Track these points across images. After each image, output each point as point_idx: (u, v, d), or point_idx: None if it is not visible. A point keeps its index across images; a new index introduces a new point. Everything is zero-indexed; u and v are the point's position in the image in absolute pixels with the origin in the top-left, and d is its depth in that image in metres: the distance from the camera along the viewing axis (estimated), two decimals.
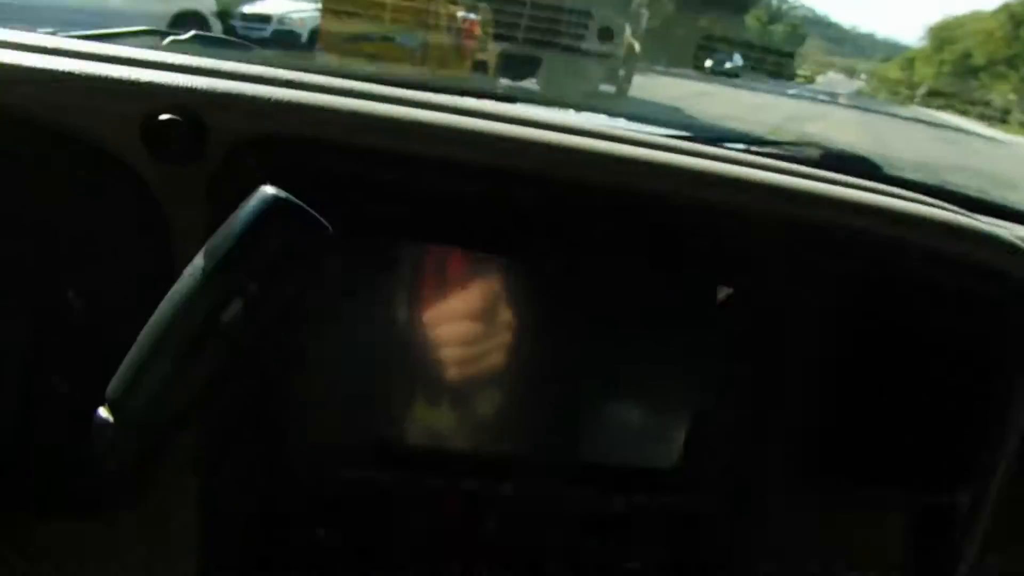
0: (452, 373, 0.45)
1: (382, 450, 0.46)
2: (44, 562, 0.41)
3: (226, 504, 0.44)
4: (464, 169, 0.40)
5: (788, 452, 0.49)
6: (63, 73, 0.38)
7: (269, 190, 0.31)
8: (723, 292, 0.45)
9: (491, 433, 0.47)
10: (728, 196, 0.42)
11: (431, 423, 0.47)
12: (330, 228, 0.31)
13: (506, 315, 0.44)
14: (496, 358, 0.46)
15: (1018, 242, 0.46)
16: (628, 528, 0.50)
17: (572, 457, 0.48)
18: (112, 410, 0.32)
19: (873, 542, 0.53)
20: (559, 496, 0.48)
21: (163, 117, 0.38)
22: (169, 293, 0.31)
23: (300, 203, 0.31)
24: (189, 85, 0.39)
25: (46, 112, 0.38)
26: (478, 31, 3.34)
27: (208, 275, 0.30)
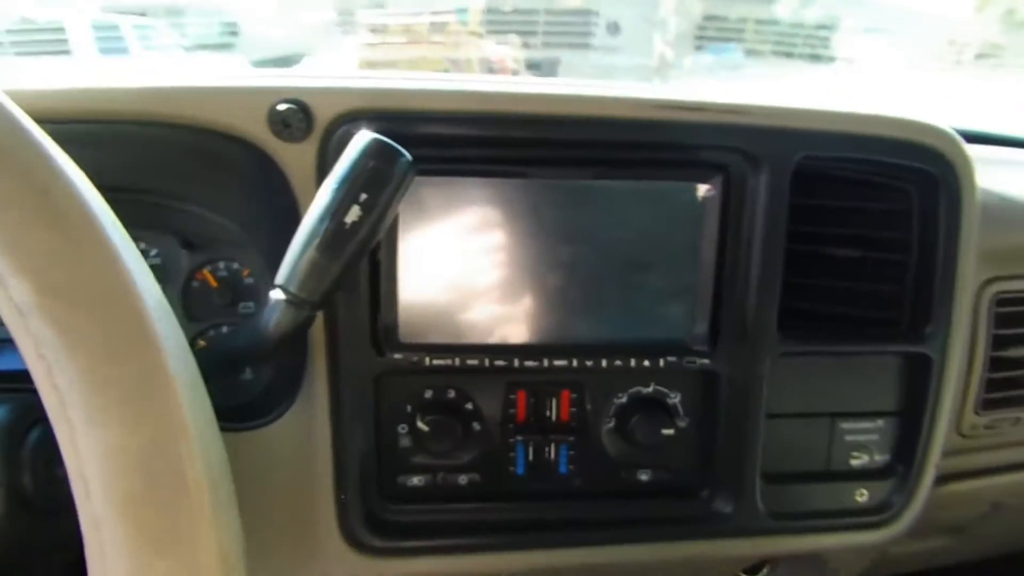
0: (505, 278, 0.58)
1: (460, 347, 0.59)
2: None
3: (351, 399, 0.58)
4: (475, 118, 0.56)
5: (783, 317, 0.61)
6: (215, 88, 0.55)
7: (366, 131, 0.46)
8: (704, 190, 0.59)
9: (546, 326, 0.60)
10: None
11: (496, 323, 0.60)
12: (409, 155, 0.46)
13: (541, 227, 0.58)
14: (544, 263, 0.59)
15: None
16: (664, 397, 0.63)
17: (614, 338, 0.61)
18: (282, 291, 0.47)
19: (864, 391, 0.65)
20: (610, 369, 0.61)
21: (281, 107, 0.54)
22: (310, 208, 0.46)
23: (385, 138, 0.46)
24: (297, 84, 0.55)
25: (209, 117, 0.55)
26: (508, 64, 3.52)
27: (334, 190, 0.45)
